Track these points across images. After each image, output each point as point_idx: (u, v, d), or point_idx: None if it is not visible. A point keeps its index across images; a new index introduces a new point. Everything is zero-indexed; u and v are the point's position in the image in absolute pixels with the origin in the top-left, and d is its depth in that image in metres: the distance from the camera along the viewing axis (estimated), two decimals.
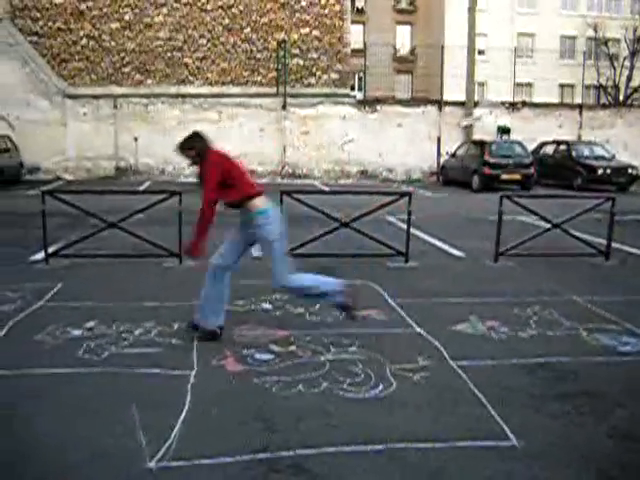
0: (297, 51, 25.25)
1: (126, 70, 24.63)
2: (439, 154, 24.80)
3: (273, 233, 5.22)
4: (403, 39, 44.89)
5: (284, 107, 24.62)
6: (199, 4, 24.64)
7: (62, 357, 4.89)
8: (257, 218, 5.19)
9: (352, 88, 30.25)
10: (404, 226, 9.17)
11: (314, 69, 25.49)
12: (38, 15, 24.01)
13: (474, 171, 21.11)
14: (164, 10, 24.51)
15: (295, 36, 25.16)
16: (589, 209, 9.49)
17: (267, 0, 24.83)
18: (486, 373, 4.73)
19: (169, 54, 24.73)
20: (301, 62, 25.34)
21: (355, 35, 32.24)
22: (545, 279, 7.95)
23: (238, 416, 3.95)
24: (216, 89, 24.86)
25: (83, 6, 24.11)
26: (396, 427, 3.83)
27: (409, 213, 8.87)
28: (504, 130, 25.25)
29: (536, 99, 35.60)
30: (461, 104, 25.64)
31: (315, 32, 25.29)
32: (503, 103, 26.72)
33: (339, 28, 25.46)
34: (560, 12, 44.08)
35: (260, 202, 5.24)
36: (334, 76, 25.61)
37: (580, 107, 27.00)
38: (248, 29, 24.98)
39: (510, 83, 30.27)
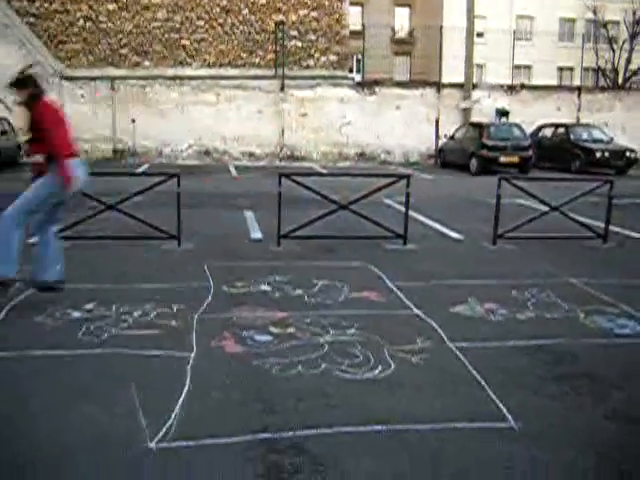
0: (295, 33, 25.12)
1: (123, 52, 24.51)
2: (437, 137, 24.74)
3: (57, 186, 5.49)
4: (402, 21, 44.61)
5: (282, 89, 24.52)
6: None
7: (62, 339, 4.90)
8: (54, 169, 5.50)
9: (350, 70, 30.10)
10: (402, 209, 9.16)
11: (312, 51, 25.38)
12: None
13: (472, 154, 21.08)
14: None
15: (293, 17, 25.02)
16: (587, 192, 9.49)
17: None
18: (485, 355, 4.74)
19: (166, 36, 24.59)
20: (299, 44, 25.22)
21: (354, 17, 32.05)
22: (543, 261, 7.96)
23: (237, 397, 3.96)
24: (214, 71, 24.75)
25: None
26: (395, 408, 3.85)
27: (407, 195, 8.87)
28: (502, 113, 25.19)
29: (535, 82, 35.51)
30: (460, 86, 25.56)
31: (313, 13, 25.15)
32: (502, 86, 26.66)
33: (337, 10, 25.31)
34: None
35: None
36: (332, 58, 25.50)
37: (579, 90, 26.92)
38: (246, 10, 24.83)
39: (509, 65, 30.23)
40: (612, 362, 4.68)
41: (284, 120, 24.63)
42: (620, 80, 38.47)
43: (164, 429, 3.52)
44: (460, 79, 25.62)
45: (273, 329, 5.19)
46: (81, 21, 24.14)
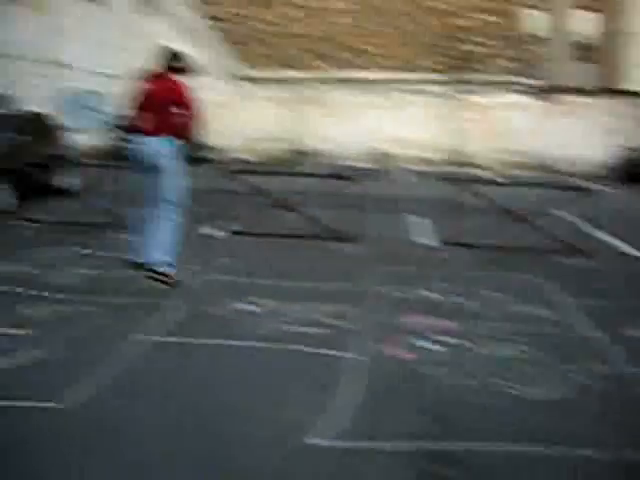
0: (473, 37, 24.70)
1: (305, 55, 25.23)
2: (623, 148, 23.23)
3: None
4: (585, 26, 42.48)
5: (457, 94, 24.18)
6: None
7: (225, 330, 5.04)
8: None
9: (529, 76, 29.10)
10: (581, 223, 8.67)
11: (489, 56, 24.83)
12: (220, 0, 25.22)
13: None
14: None
15: (471, 22, 24.62)
16: None
17: None
18: None
19: (348, 40, 25.03)
20: (477, 49, 24.77)
21: (534, 21, 30.94)
22: None
23: (403, 404, 3.91)
24: (390, 74, 24.87)
25: None
26: (572, 432, 3.62)
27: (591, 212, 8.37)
28: None
29: None
30: None
31: (492, 18, 24.62)
32: None
33: (517, 14, 24.63)
34: None
35: None
36: (510, 64, 24.82)
37: None
38: (424, 15, 24.76)
39: None
40: None
41: (458, 125, 24.27)
42: None
43: (325, 427, 3.54)
44: None
45: (443, 338, 5.07)
46: (266, 26, 25.14)
